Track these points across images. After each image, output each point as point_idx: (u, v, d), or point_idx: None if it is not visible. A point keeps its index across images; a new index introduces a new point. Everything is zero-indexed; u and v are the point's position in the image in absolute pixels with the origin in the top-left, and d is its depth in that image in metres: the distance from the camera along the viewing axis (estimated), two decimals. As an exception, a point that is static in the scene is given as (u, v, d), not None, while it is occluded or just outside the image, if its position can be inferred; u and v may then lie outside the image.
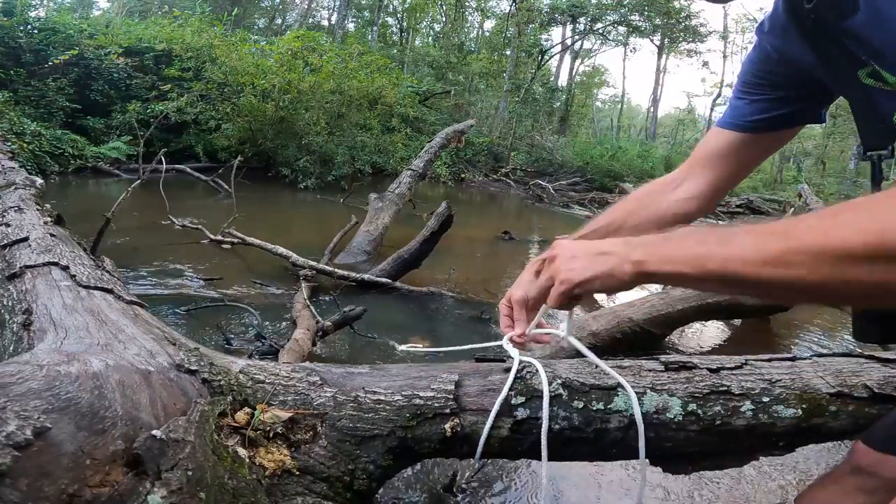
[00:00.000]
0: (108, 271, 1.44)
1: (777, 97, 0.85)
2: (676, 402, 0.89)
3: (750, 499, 1.50)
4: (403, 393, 0.90)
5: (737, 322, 3.27)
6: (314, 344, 2.12)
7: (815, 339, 3.24)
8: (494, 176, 13.57)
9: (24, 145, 6.54)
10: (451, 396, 0.89)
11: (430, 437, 0.88)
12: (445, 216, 3.38)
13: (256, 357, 2.09)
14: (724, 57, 28.34)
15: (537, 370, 0.91)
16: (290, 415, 0.86)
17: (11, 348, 1.02)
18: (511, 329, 0.85)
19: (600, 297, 3.78)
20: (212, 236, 4.01)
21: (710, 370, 0.93)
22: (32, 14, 9.65)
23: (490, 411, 0.88)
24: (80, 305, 1.08)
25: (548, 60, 20.00)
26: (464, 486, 1.43)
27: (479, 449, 0.87)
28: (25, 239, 1.51)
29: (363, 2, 23.75)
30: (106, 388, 0.69)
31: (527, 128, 16.87)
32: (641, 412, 0.88)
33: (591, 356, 0.84)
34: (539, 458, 0.84)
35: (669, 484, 1.50)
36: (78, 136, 7.93)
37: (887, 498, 0.84)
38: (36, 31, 8.85)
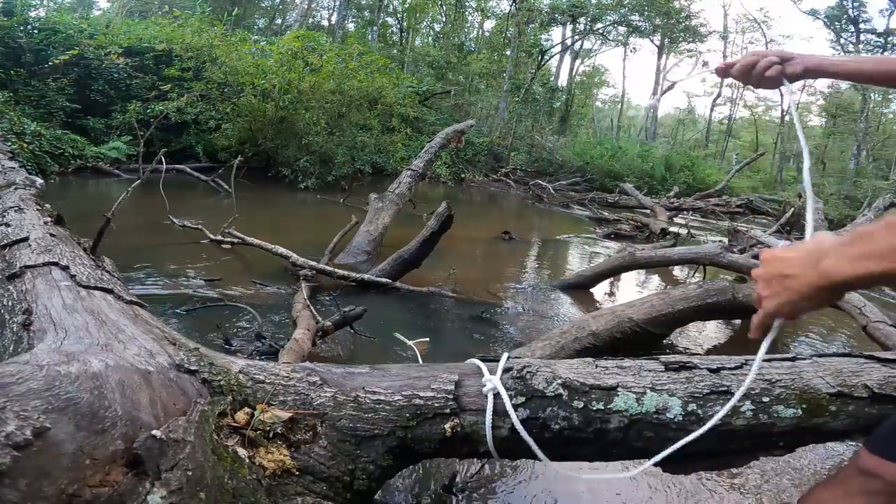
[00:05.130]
0: (108, 271, 1.44)
1: None
2: (676, 402, 0.89)
3: (752, 499, 1.50)
4: (403, 393, 0.90)
5: (737, 322, 3.27)
6: (314, 344, 2.12)
7: (815, 339, 3.24)
8: (494, 176, 13.57)
9: (25, 145, 6.53)
10: (451, 396, 0.89)
11: (430, 437, 0.88)
12: (445, 216, 3.38)
13: (256, 357, 2.09)
14: (724, 57, 28.20)
15: (537, 370, 0.91)
16: (289, 415, 0.86)
17: (11, 348, 1.02)
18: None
19: (599, 298, 3.78)
20: (212, 236, 4.00)
21: (710, 370, 0.93)
22: (32, 14, 9.63)
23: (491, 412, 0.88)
24: (80, 305, 1.08)
25: (548, 60, 20.00)
26: (464, 486, 1.43)
27: (490, 444, 0.87)
28: (25, 239, 1.51)
29: (363, 2, 23.72)
30: (106, 388, 0.68)
31: (527, 128, 16.85)
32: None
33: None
34: (538, 459, 0.84)
35: (669, 484, 1.50)
36: (78, 136, 7.92)
37: (888, 500, 0.85)
38: (36, 31, 8.84)
